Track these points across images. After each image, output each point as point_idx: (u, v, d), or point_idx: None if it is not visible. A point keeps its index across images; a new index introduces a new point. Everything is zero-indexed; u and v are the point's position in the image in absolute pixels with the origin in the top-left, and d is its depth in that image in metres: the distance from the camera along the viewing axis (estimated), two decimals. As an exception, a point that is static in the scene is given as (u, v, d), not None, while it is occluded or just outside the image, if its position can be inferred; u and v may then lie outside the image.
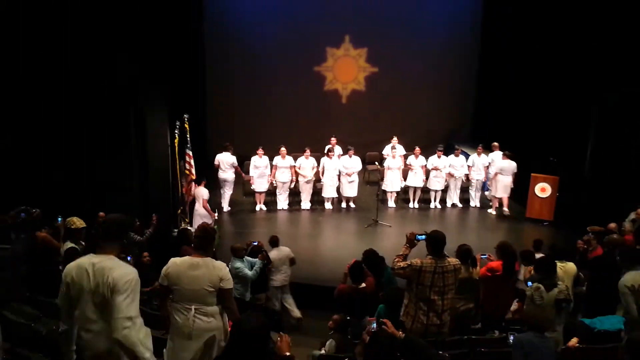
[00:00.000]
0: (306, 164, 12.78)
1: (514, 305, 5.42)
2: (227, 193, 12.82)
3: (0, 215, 4.24)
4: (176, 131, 11.01)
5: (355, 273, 6.54)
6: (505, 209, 13.06)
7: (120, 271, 3.37)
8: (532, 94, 13.71)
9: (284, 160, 12.66)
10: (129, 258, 7.98)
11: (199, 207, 11.24)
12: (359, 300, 6.46)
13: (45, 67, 9.01)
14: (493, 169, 12.95)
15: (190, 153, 11.42)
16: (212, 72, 15.48)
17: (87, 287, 3.36)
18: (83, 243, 6.00)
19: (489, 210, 13.27)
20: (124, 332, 3.25)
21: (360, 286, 6.45)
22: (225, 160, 12.55)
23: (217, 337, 4.07)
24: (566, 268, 6.48)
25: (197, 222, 10.74)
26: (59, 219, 6.69)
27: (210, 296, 4.07)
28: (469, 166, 13.32)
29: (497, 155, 13.16)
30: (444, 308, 5.26)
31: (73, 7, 9.17)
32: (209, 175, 12.12)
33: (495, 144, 13.49)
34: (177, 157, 11.18)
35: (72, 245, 5.89)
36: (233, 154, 12.61)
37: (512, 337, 4.93)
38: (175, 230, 10.58)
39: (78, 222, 6.13)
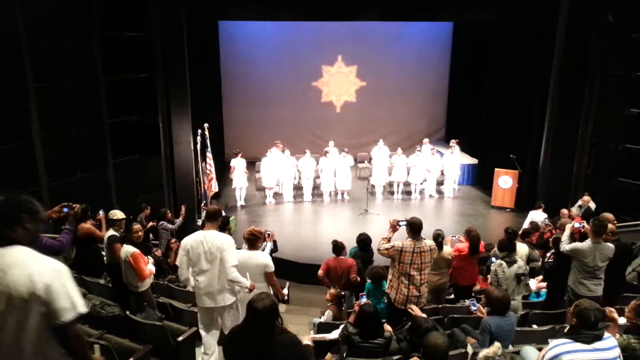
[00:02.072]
0: (307, 163, 12.76)
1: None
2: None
3: (48, 212, 4.23)
4: (198, 138, 11.02)
5: (335, 249, 6.71)
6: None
7: (224, 238, 4.52)
8: (494, 103, 13.72)
9: (288, 160, 12.64)
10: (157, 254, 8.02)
11: (237, 174, 12.14)
12: (339, 270, 6.53)
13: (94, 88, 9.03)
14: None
15: (210, 156, 11.44)
16: (227, 88, 15.51)
17: (202, 251, 4.47)
18: (122, 231, 5.99)
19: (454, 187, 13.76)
20: (233, 274, 4.49)
21: (341, 257, 6.59)
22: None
23: None
24: (518, 248, 6.48)
25: (236, 182, 12.28)
26: (101, 211, 6.70)
27: (260, 276, 4.98)
28: (442, 164, 13.30)
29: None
30: (422, 282, 5.26)
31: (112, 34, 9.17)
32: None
33: (426, 140, 13.72)
34: (199, 159, 11.20)
35: (113, 233, 5.89)
36: (282, 151, 12.84)
37: (473, 306, 4.91)
38: (200, 220, 10.60)
39: (118, 214, 6.14)
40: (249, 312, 2.98)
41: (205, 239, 4.47)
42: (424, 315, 4.66)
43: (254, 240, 5.06)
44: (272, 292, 5.02)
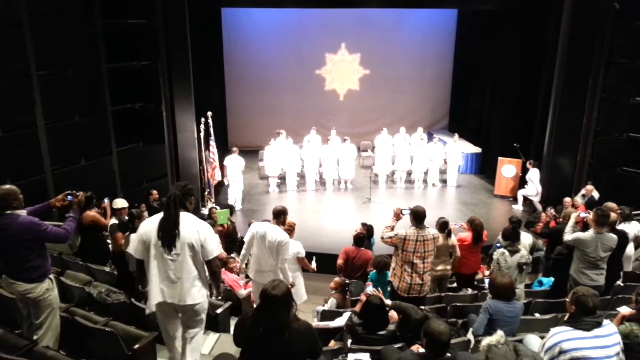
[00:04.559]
0: (309, 151, 12.73)
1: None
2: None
3: (52, 200, 4.24)
4: (201, 126, 11.00)
5: (358, 240, 6.70)
6: None
7: (282, 235, 5.22)
8: (498, 92, 13.63)
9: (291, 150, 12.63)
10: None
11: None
12: (359, 260, 6.55)
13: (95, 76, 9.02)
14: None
15: (214, 144, 11.43)
16: (230, 76, 15.47)
17: (262, 237, 5.26)
18: (126, 218, 6.01)
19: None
20: (284, 266, 5.25)
21: (362, 248, 6.63)
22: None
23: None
24: (522, 237, 6.47)
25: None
26: (106, 199, 6.72)
27: (293, 259, 5.93)
28: (445, 152, 13.26)
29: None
30: (424, 270, 5.27)
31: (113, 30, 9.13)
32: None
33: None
34: (202, 147, 11.19)
35: (116, 221, 5.91)
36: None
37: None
38: (204, 208, 10.62)
39: (119, 203, 6.16)
40: (264, 299, 3.00)
41: (268, 232, 5.28)
42: (388, 302, 4.59)
43: (291, 231, 5.95)
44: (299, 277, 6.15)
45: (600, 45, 10.38)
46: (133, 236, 3.80)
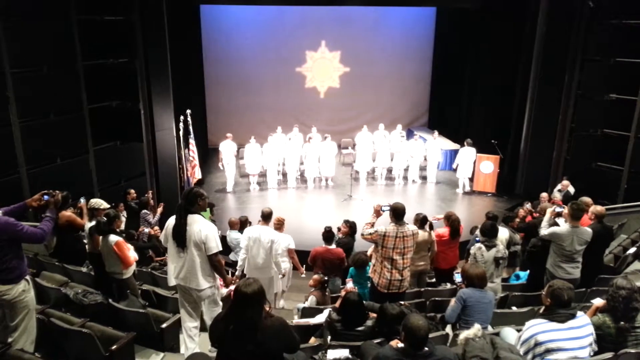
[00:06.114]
0: (290, 149, 12.72)
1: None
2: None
3: (27, 201, 4.17)
4: (180, 124, 10.91)
5: (327, 237, 6.71)
6: None
7: (275, 235, 6.14)
8: (476, 89, 13.80)
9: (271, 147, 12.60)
10: (146, 231, 8.14)
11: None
12: (330, 260, 6.58)
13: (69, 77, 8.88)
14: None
15: (193, 142, 11.34)
16: (210, 74, 15.34)
17: (259, 239, 6.08)
18: (105, 218, 5.91)
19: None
20: (278, 259, 6.18)
21: (331, 247, 6.64)
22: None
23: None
24: (499, 232, 6.56)
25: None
26: (82, 199, 6.60)
27: (284, 252, 6.65)
28: (425, 149, 13.37)
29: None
30: (404, 266, 5.31)
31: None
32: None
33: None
34: (181, 146, 11.10)
35: (95, 223, 5.82)
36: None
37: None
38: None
39: (101, 204, 6.05)
40: (237, 297, 2.99)
41: (262, 234, 6.09)
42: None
43: (280, 225, 6.56)
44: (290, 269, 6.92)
45: (576, 43, 10.59)
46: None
